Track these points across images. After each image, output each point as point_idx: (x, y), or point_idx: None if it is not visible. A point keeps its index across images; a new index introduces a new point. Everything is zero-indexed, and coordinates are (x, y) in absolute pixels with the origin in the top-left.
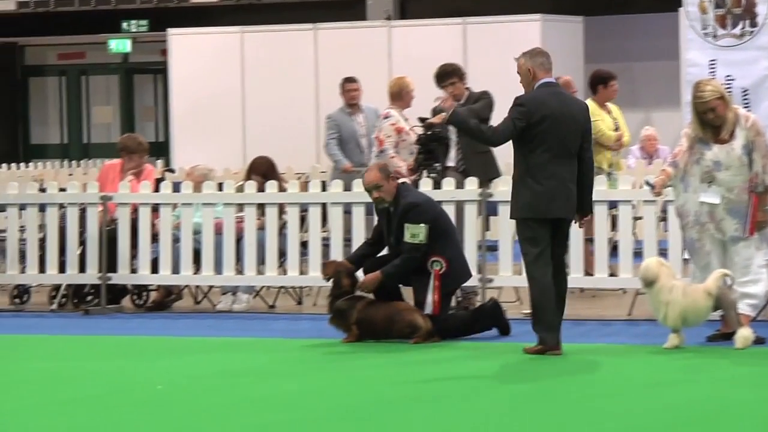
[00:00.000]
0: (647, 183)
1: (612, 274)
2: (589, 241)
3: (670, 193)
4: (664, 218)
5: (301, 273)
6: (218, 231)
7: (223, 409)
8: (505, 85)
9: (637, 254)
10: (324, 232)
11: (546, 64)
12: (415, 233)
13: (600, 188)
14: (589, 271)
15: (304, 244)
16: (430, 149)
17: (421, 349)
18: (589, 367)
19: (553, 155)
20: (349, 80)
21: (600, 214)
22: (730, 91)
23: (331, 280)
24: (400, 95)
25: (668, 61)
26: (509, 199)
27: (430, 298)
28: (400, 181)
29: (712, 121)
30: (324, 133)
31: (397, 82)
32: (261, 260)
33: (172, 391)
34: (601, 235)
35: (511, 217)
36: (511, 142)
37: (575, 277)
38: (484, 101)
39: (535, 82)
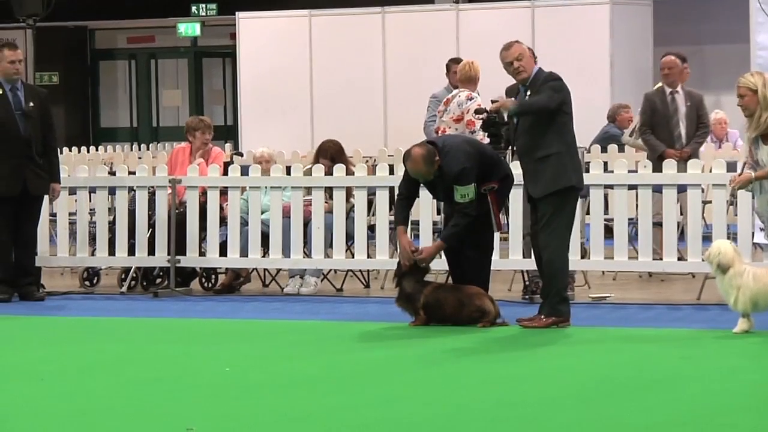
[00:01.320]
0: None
1: (681, 259)
2: (658, 225)
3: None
4: (733, 202)
5: (369, 256)
6: (286, 214)
7: (289, 390)
8: (572, 68)
9: (706, 238)
10: (392, 215)
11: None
12: (465, 193)
13: (669, 172)
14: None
15: (371, 228)
16: (493, 134)
17: (492, 333)
18: (658, 353)
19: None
20: (456, 61)
21: (669, 197)
22: None
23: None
24: (472, 79)
25: (738, 45)
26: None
27: (493, 218)
28: (432, 141)
29: (741, 108)
30: (425, 112)
31: (471, 66)
32: (329, 243)
33: (240, 373)
34: (670, 219)
35: (554, 189)
36: (541, 117)
37: (644, 261)
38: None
39: (529, 66)
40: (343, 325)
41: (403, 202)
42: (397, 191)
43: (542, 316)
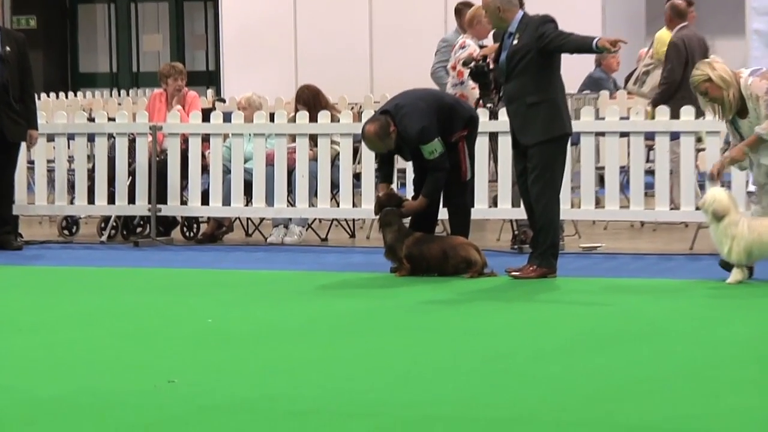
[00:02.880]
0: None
1: (674, 207)
2: (650, 173)
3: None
4: (726, 149)
5: (354, 205)
6: (270, 162)
7: (272, 341)
8: (563, 11)
9: (701, 187)
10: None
11: (514, 2)
12: (432, 150)
13: (662, 119)
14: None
15: (357, 176)
16: (483, 83)
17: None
18: (648, 304)
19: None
20: (466, 5)
21: (661, 145)
22: None
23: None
24: (472, 23)
25: None
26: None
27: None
28: (385, 110)
29: (711, 103)
30: (434, 56)
31: (472, 10)
32: (313, 192)
33: (222, 324)
34: (662, 167)
35: (548, 137)
36: (534, 61)
37: (635, 210)
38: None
39: (505, 17)
40: (328, 276)
41: (381, 160)
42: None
43: (532, 267)
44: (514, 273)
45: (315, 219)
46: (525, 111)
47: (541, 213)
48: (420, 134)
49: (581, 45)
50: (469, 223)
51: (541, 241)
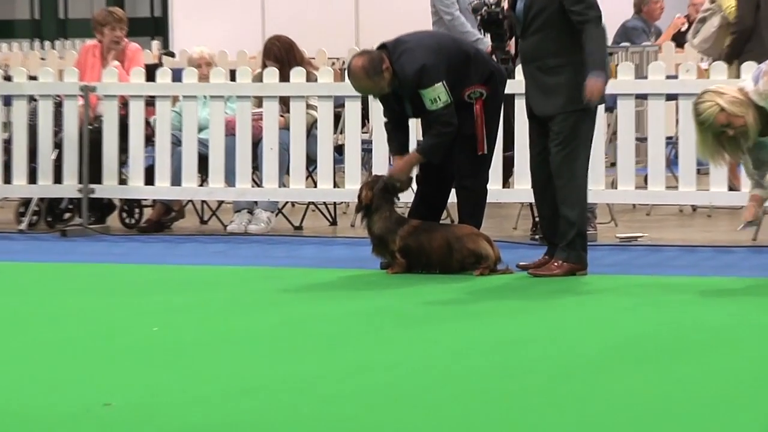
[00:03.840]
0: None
1: (732, 188)
2: None
3: None
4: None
5: (336, 185)
6: (230, 131)
7: (232, 355)
8: None
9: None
10: (365, 133)
11: None
12: (434, 97)
13: (719, 78)
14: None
15: (339, 149)
16: (496, 33)
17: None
18: (699, 309)
19: None
20: None
21: None
22: None
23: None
24: None
25: None
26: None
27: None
28: (382, 46)
29: (734, 132)
30: (438, 3)
31: None
32: (285, 169)
33: (171, 334)
34: None
35: (574, 108)
36: (556, 16)
37: (685, 192)
38: None
39: None
40: (303, 273)
41: (392, 127)
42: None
43: (557, 262)
44: (533, 270)
45: (287, 202)
46: (544, 76)
47: (566, 193)
48: (419, 73)
49: (592, 59)
50: (482, 211)
51: (566, 229)
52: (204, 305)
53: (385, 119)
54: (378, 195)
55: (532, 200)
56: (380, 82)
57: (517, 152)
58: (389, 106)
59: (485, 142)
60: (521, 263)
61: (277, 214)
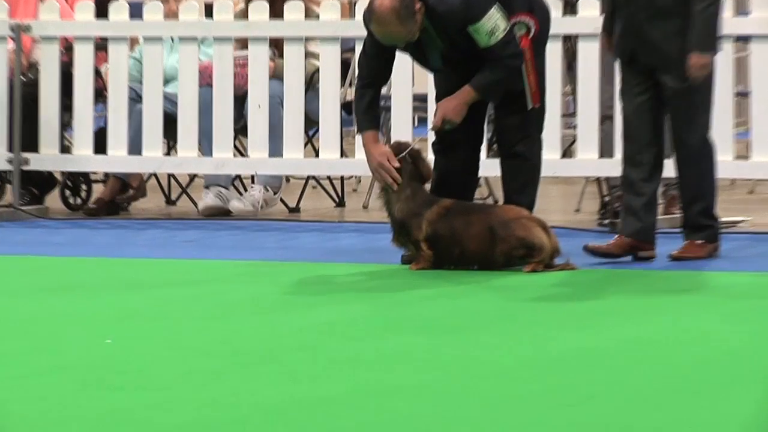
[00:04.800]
0: None
1: None
2: None
3: None
4: None
5: (343, 155)
6: (206, 83)
7: (210, 377)
8: None
9: None
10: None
11: None
12: (491, 28)
13: None
14: None
15: (347, 107)
16: None
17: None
18: None
19: None
20: None
21: None
22: None
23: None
24: None
25: None
26: None
27: (526, 87)
28: None
29: None
30: None
31: None
32: (278, 133)
33: (128, 348)
34: None
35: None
36: None
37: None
38: None
39: None
40: (300, 269)
41: (367, 93)
42: (358, 65)
43: (700, 240)
44: (679, 252)
45: (281, 178)
46: (651, 21)
47: (696, 152)
48: (465, 5)
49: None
50: (536, 187)
51: (701, 195)
52: (170, 311)
53: (361, 81)
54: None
55: (600, 173)
56: (413, 27)
57: (581, 112)
58: (383, 62)
59: (539, 92)
60: (591, 244)
61: (276, 193)
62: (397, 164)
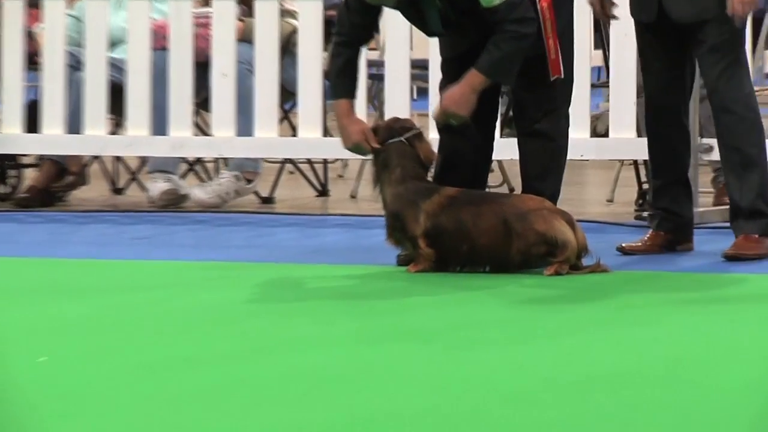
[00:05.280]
0: None
1: None
2: None
3: None
4: None
5: (326, 134)
6: (159, 44)
7: (158, 397)
8: None
9: None
10: (372, 50)
11: None
12: None
13: None
14: None
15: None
16: None
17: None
18: None
19: None
20: None
21: None
22: None
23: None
24: None
25: None
26: None
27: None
28: None
29: None
30: None
31: None
32: (247, 106)
33: (65, 366)
34: None
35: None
36: None
37: None
38: None
39: None
40: (274, 270)
41: (344, 53)
42: (337, 20)
43: (755, 236)
44: (734, 250)
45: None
46: None
47: (744, 116)
48: None
49: None
50: (561, 173)
51: (750, 179)
52: (117, 322)
53: (338, 38)
54: (397, 154)
55: (637, 157)
56: None
57: (613, 84)
58: (366, 17)
59: (560, 61)
60: (625, 244)
61: (250, 183)
62: (377, 146)
